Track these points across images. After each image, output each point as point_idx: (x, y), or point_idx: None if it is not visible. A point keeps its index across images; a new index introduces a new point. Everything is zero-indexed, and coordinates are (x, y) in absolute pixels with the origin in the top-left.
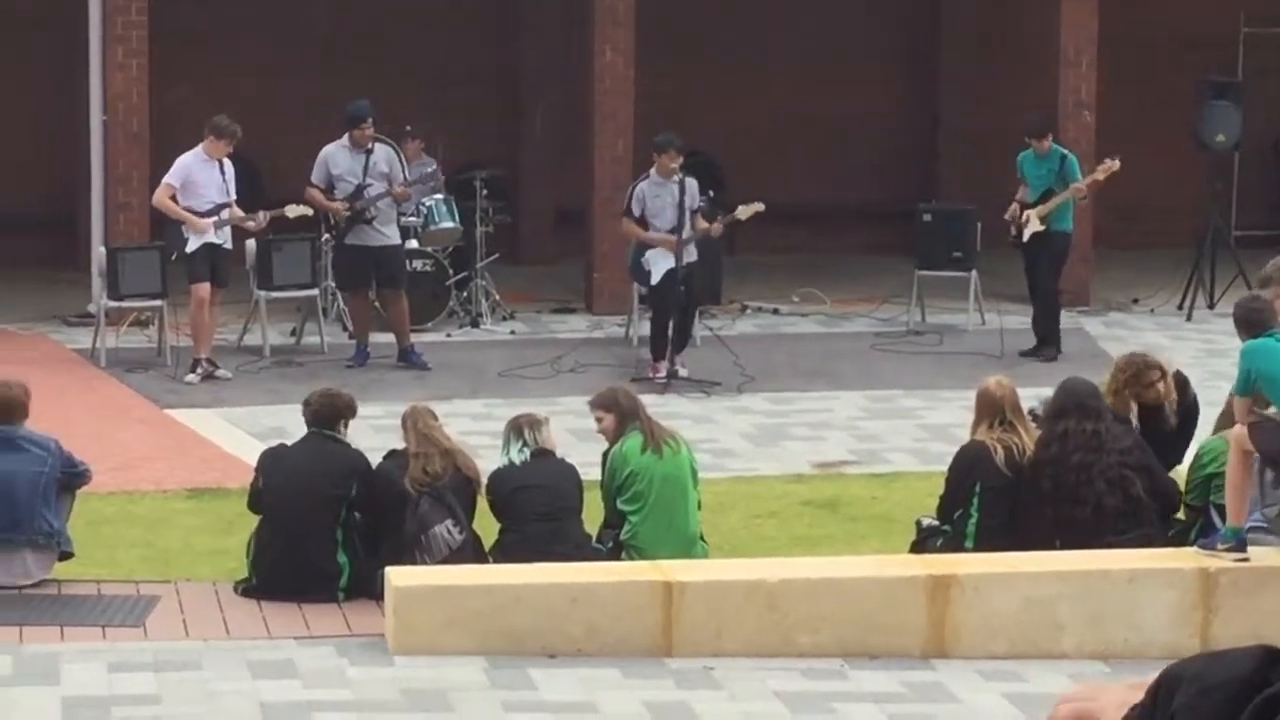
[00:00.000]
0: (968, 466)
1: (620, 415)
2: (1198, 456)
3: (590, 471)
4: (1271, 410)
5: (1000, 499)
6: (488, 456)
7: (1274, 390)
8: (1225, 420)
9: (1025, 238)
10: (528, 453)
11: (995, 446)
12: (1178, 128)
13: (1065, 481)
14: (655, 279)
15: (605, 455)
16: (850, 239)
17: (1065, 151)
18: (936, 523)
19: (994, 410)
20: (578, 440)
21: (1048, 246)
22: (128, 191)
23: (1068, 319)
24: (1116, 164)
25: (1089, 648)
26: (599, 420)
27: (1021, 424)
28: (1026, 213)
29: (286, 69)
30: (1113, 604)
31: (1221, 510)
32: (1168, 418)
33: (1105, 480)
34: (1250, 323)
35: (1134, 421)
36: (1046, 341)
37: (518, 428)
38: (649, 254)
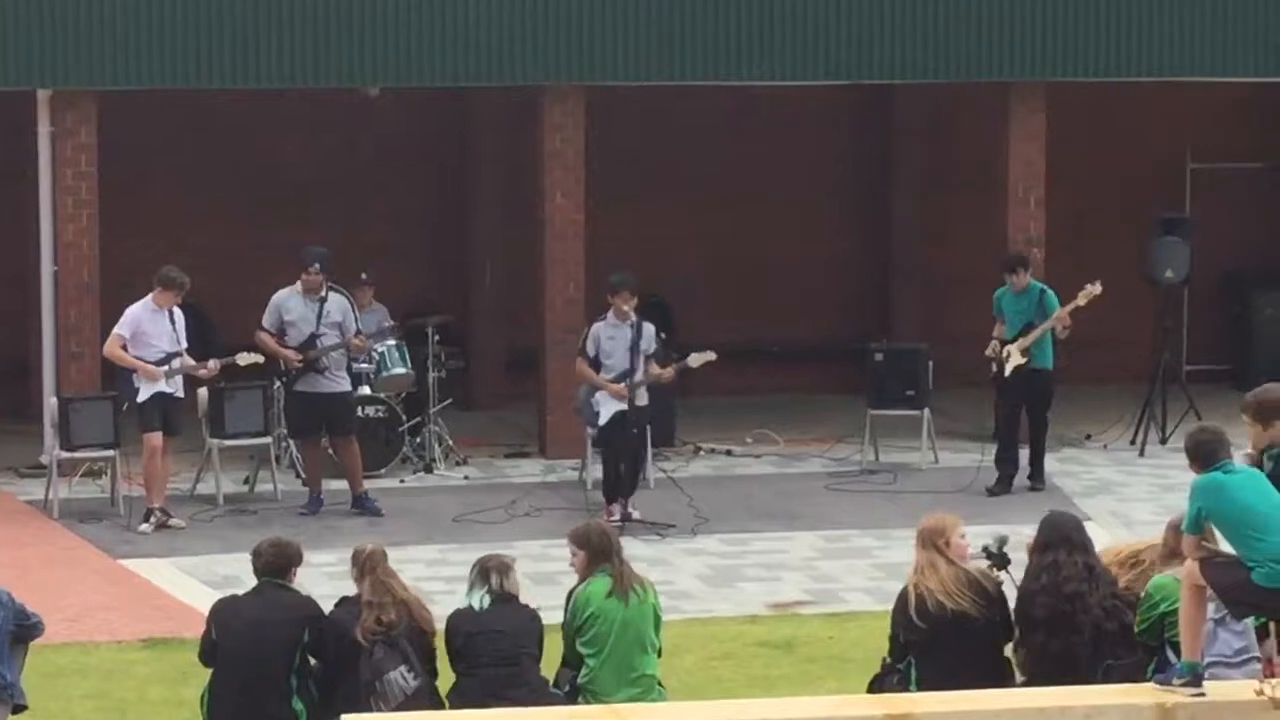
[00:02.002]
0: (894, 615)
1: (591, 554)
2: (1148, 595)
3: (550, 615)
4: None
5: (925, 648)
6: (443, 603)
7: (1225, 528)
8: (1165, 555)
9: (1008, 372)
10: (489, 600)
11: (910, 595)
12: (1127, 263)
13: (1059, 610)
14: (603, 419)
15: (570, 594)
16: (803, 379)
17: (1044, 286)
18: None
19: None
20: (534, 584)
21: (1031, 386)
22: (79, 341)
23: (1020, 456)
24: (1098, 288)
25: None
26: (573, 554)
27: (939, 560)
28: (1007, 348)
29: (237, 219)
30: None
31: (1176, 647)
32: None
33: (1102, 609)
34: (1200, 453)
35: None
36: (1038, 475)
37: (485, 572)
38: (599, 394)
